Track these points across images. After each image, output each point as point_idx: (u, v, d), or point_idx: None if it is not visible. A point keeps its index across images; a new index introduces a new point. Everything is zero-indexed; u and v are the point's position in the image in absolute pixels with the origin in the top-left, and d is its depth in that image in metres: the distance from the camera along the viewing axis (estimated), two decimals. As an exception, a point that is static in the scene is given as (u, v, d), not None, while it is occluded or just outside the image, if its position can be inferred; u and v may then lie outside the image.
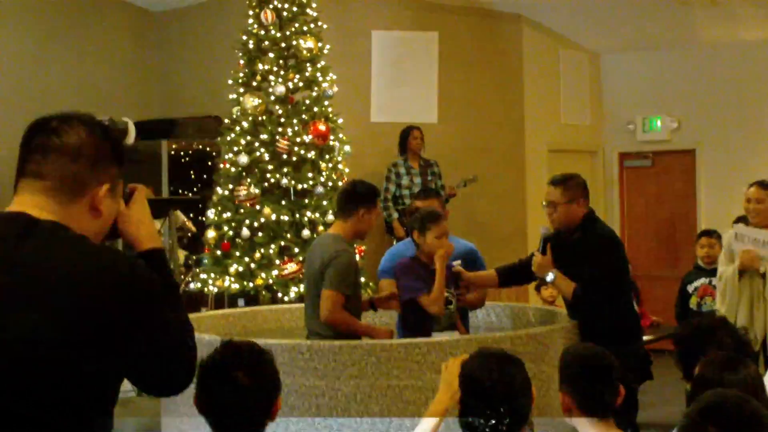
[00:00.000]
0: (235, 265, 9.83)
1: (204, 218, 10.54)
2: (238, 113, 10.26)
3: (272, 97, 10.19)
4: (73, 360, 2.50)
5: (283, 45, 10.32)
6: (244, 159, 10.02)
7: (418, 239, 6.42)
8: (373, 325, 6.52)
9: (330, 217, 9.81)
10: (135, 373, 2.70)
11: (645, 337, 8.43)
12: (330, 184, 10.07)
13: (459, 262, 6.89)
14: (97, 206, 2.73)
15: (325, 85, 10.38)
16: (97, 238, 2.73)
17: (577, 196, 6.58)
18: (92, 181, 2.71)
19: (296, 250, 9.73)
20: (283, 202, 10.00)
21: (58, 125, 2.70)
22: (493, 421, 3.40)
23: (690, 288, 8.80)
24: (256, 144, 10.09)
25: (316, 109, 10.26)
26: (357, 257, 9.37)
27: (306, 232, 9.77)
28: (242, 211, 9.99)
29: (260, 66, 10.29)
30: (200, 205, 11.72)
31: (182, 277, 10.88)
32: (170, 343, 2.72)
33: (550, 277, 6.50)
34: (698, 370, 4.20)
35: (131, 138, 2.91)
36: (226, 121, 10.41)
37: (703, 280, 8.71)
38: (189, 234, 12.19)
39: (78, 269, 2.54)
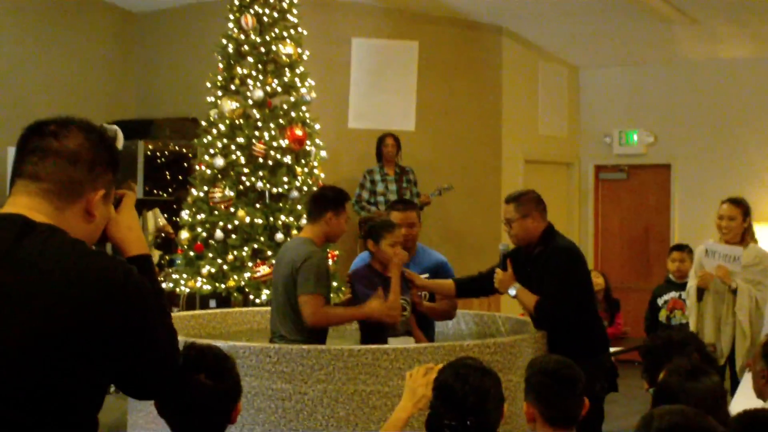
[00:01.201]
0: (207, 267, 9.82)
1: (178, 219, 10.53)
2: (216, 116, 10.26)
3: (250, 101, 10.19)
4: (65, 361, 2.52)
5: (262, 50, 10.32)
6: (220, 161, 10.02)
7: (372, 248, 6.46)
8: (359, 307, 6.47)
9: (304, 221, 9.83)
10: (123, 375, 2.74)
11: (613, 349, 8.49)
12: (305, 188, 10.08)
13: (427, 275, 6.94)
14: (92, 211, 2.76)
15: (303, 90, 10.39)
16: (88, 242, 2.75)
17: (531, 210, 6.62)
18: (88, 186, 2.74)
19: (269, 253, 9.73)
20: (258, 206, 10.01)
21: (57, 129, 2.73)
22: (459, 431, 3.41)
23: (660, 301, 8.85)
24: (233, 147, 10.09)
25: (293, 114, 10.27)
26: (330, 261, 9.43)
27: (279, 236, 9.78)
28: (216, 213, 9.99)
29: (239, 70, 10.29)
30: (175, 206, 11.72)
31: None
32: (159, 348, 2.77)
33: (512, 291, 6.56)
34: (662, 377, 4.24)
35: (120, 144, 2.96)
36: (203, 123, 10.41)
37: (673, 294, 8.76)
38: (163, 234, 12.18)
39: (74, 272, 2.57)
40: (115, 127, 3.11)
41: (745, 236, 7.91)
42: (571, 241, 6.94)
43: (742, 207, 7.89)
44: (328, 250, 9.65)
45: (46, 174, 2.69)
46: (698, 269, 7.91)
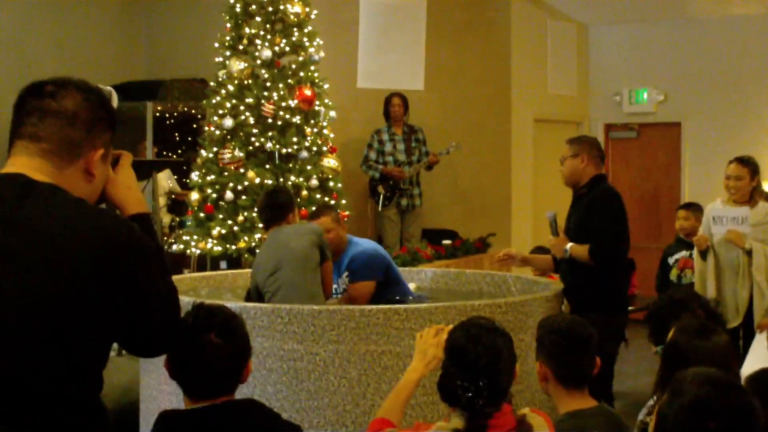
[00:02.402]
0: (218, 228, 9.82)
1: (188, 180, 10.52)
2: (224, 76, 10.23)
3: (258, 61, 10.16)
4: (69, 319, 2.55)
5: (270, 9, 10.26)
6: (229, 122, 10.00)
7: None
8: None
9: (314, 181, 9.86)
10: (125, 333, 2.76)
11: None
12: (314, 149, 10.07)
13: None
14: (92, 170, 2.78)
15: (311, 50, 10.35)
16: (88, 202, 2.76)
17: (583, 151, 6.79)
18: (88, 146, 2.76)
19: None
20: (267, 166, 10.00)
21: (55, 89, 2.74)
22: (472, 393, 3.40)
23: (671, 260, 8.82)
24: (242, 107, 10.07)
25: (302, 73, 10.23)
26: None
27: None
28: (226, 174, 9.98)
29: (247, 30, 10.25)
30: (184, 168, 11.72)
31: (165, 238, 10.88)
32: (161, 305, 2.79)
33: (566, 251, 6.71)
34: (670, 336, 4.24)
35: (114, 104, 2.97)
36: (212, 84, 10.38)
37: (683, 253, 8.72)
38: (173, 196, 12.18)
39: (77, 230, 2.58)
40: (110, 87, 3.11)
41: (754, 195, 7.88)
42: (614, 188, 7.04)
43: (749, 166, 7.85)
44: (338, 210, 9.65)
45: (46, 135, 2.70)
46: (706, 231, 7.90)
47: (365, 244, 7.24)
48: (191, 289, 6.89)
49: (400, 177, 11.34)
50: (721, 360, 3.84)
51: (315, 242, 6.50)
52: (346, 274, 7.04)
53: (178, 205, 12.00)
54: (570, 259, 6.70)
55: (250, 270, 6.95)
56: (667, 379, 4.14)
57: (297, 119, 10.06)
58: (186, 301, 5.38)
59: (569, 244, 6.68)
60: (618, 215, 6.75)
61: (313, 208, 7.83)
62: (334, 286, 6.98)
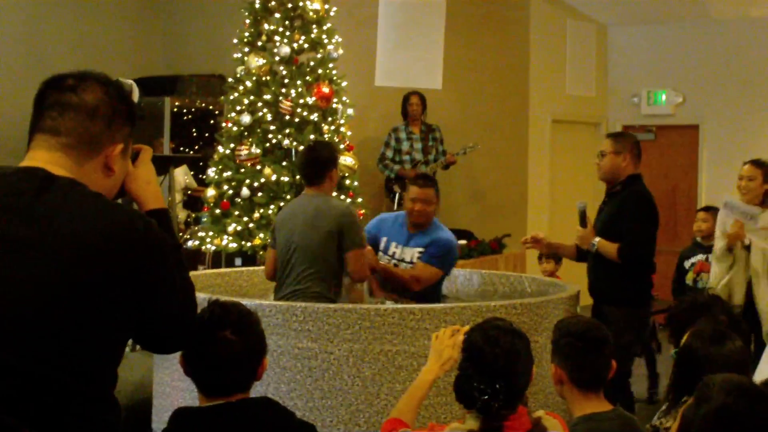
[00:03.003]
0: (233, 225, 9.83)
1: (204, 176, 10.53)
2: (242, 73, 10.23)
3: (277, 58, 10.16)
4: (85, 314, 2.54)
5: (289, 6, 10.26)
6: (246, 119, 10.01)
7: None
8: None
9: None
10: (141, 328, 2.75)
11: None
12: (332, 146, 10.07)
13: (421, 249, 6.94)
14: (111, 165, 2.77)
15: (330, 47, 10.34)
16: (107, 196, 2.76)
17: (625, 150, 6.82)
18: (107, 140, 2.75)
19: (296, 211, 9.71)
20: (284, 163, 10.00)
21: (75, 83, 2.73)
22: (488, 395, 3.39)
23: (687, 263, 8.78)
24: (259, 104, 10.07)
25: (320, 71, 10.23)
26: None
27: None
28: (243, 170, 9.98)
29: (266, 26, 10.26)
30: (201, 163, 11.73)
31: (181, 234, 10.89)
32: (178, 301, 2.79)
33: (593, 245, 6.73)
34: (685, 340, 4.22)
35: (135, 98, 2.96)
36: (230, 80, 10.39)
37: (700, 256, 8.69)
38: (189, 192, 12.20)
39: (95, 225, 2.58)
40: (131, 81, 3.10)
41: (765, 198, 7.87)
42: (648, 191, 6.99)
43: (763, 168, 7.84)
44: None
45: (66, 128, 2.70)
46: (721, 228, 7.86)
47: (450, 233, 7.13)
48: (207, 286, 6.89)
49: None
50: (735, 367, 3.82)
51: (332, 233, 6.26)
52: (419, 249, 6.92)
53: (194, 201, 12.02)
54: (596, 253, 6.73)
55: (263, 267, 6.92)
56: (680, 384, 4.13)
57: (314, 117, 10.06)
58: (201, 297, 5.38)
59: (597, 239, 6.71)
60: (650, 218, 6.77)
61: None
62: (398, 250, 6.92)
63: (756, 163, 7.87)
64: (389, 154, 11.45)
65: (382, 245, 6.99)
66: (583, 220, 6.86)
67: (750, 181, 7.79)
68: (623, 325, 6.45)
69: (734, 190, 8.18)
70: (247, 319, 3.32)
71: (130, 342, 2.85)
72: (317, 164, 6.50)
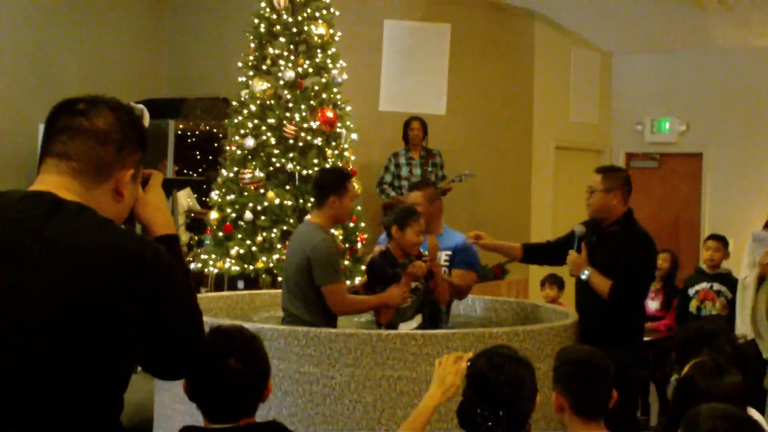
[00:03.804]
0: (236, 248, 9.82)
1: (208, 199, 10.54)
2: (247, 96, 10.24)
3: (281, 82, 10.17)
4: (92, 340, 2.53)
5: (294, 30, 10.29)
6: (250, 142, 10.01)
7: (396, 234, 6.44)
8: (378, 295, 6.50)
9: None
10: (149, 355, 2.75)
11: (645, 338, 8.53)
12: (335, 171, 10.06)
13: (449, 253, 6.92)
14: (121, 190, 2.77)
15: (334, 71, 10.36)
16: (116, 222, 2.75)
17: (616, 187, 6.60)
18: (117, 166, 2.75)
19: (298, 235, 9.72)
20: (288, 187, 9.99)
21: (87, 108, 2.73)
22: (491, 422, 3.39)
23: (691, 291, 8.80)
24: (263, 128, 10.07)
25: (324, 95, 10.24)
26: (358, 245, 9.43)
27: (308, 218, 9.76)
28: (246, 194, 9.98)
29: (271, 50, 10.27)
30: (205, 186, 11.73)
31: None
32: (186, 328, 2.78)
33: (585, 274, 6.47)
34: (686, 371, 4.22)
35: (145, 123, 2.96)
36: (234, 103, 10.40)
37: (704, 285, 8.71)
38: (192, 215, 12.20)
39: (103, 251, 2.57)
40: (141, 105, 3.10)
41: None
42: (647, 231, 6.89)
43: None
44: (357, 233, 9.65)
45: (76, 153, 2.69)
46: (750, 257, 7.86)
47: (462, 235, 7.15)
48: (208, 309, 6.88)
49: None
50: (731, 402, 3.83)
51: (302, 265, 6.24)
52: (446, 254, 6.91)
53: (197, 224, 12.01)
54: (585, 285, 6.52)
55: (267, 291, 6.93)
56: (676, 414, 4.13)
57: (318, 141, 10.07)
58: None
59: (590, 268, 6.47)
60: (649, 262, 6.66)
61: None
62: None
63: None
64: (388, 178, 11.44)
65: None
66: (579, 245, 6.63)
67: None
68: (624, 361, 6.39)
69: (739, 219, 8.24)
70: (252, 344, 3.31)
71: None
72: (317, 189, 6.52)
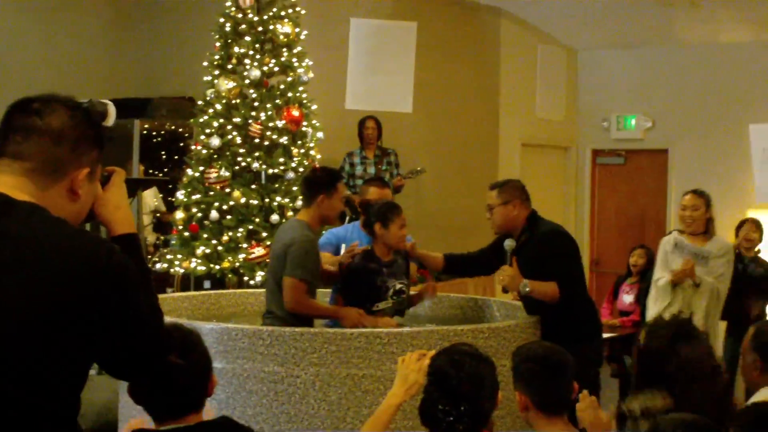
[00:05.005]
0: (202, 247, 9.80)
1: (174, 199, 10.50)
2: (212, 95, 10.21)
3: (247, 81, 10.15)
4: (47, 339, 2.51)
5: (260, 29, 10.27)
6: (216, 141, 9.99)
7: (379, 231, 6.44)
8: (337, 307, 6.52)
9: (299, 202, 9.82)
10: (106, 356, 2.72)
11: (611, 334, 8.64)
12: (301, 169, 10.03)
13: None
14: (76, 190, 2.73)
15: (300, 70, 10.34)
16: (74, 222, 2.73)
17: (513, 197, 6.60)
18: (72, 165, 2.71)
19: (264, 234, 9.70)
20: (253, 186, 9.97)
21: (41, 107, 2.70)
22: (453, 417, 3.40)
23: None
24: (229, 127, 10.05)
25: (290, 94, 10.22)
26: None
27: (275, 217, 9.75)
28: (212, 193, 9.96)
29: (236, 49, 10.25)
30: (170, 186, 11.70)
31: (150, 257, 10.85)
32: (144, 327, 2.74)
33: (525, 288, 6.35)
34: (642, 340, 4.23)
35: (111, 120, 2.91)
36: (200, 102, 10.37)
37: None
38: (158, 215, 12.17)
39: (57, 251, 2.54)
40: (107, 101, 3.06)
41: (709, 226, 8.02)
42: (555, 223, 6.89)
43: (704, 197, 8.06)
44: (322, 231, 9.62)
45: (30, 153, 2.67)
46: (664, 261, 8.02)
47: None
48: (173, 309, 6.86)
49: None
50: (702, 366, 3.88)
51: (280, 259, 6.27)
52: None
53: (163, 224, 11.97)
54: (529, 298, 6.46)
55: (233, 290, 6.93)
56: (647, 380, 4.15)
57: (284, 140, 10.05)
58: (169, 321, 5.36)
59: (527, 281, 6.32)
60: (574, 252, 6.65)
61: None
62: None
63: (698, 193, 8.04)
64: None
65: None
66: (510, 260, 6.50)
67: (695, 211, 7.94)
68: (585, 359, 6.39)
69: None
70: (190, 339, 3.29)
71: (96, 365, 2.82)
72: (307, 186, 6.53)
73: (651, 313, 7.90)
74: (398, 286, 6.47)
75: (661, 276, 8.03)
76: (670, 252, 8.01)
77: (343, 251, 6.86)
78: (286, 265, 6.17)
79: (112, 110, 2.96)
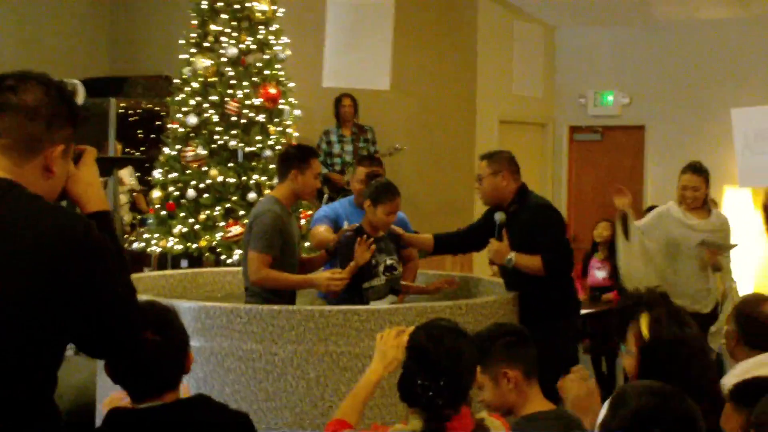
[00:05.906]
0: (179, 226, 9.76)
1: (150, 178, 10.46)
2: (189, 74, 10.15)
3: (224, 59, 10.09)
4: (24, 317, 2.53)
5: (236, 6, 10.20)
6: (193, 120, 9.94)
7: (367, 208, 6.46)
8: (306, 276, 6.50)
9: (276, 180, 9.80)
10: (81, 333, 2.72)
11: (587, 310, 8.66)
12: (278, 147, 9.99)
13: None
14: (51, 167, 2.74)
15: (277, 48, 10.31)
16: (48, 199, 2.73)
17: (502, 168, 6.63)
18: (47, 142, 2.72)
19: (241, 212, 9.67)
20: (230, 165, 9.93)
21: (15, 83, 2.70)
22: (432, 392, 3.40)
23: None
24: (206, 105, 10.00)
25: (267, 72, 10.18)
26: (302, 221, 9.40)
27: (252, 195, 9.72)
28: (189, 171, 9.91)
29: (213, 27, 10.18)
30: (147, 165, 11.65)
31: (126, 236, 10.81)
32: (117, 306, 2.75)
33: (510, 260, 6.43)
34: (645, 329, 4.21)
35: (80, 99, 2.91)
36: (177, 81, 10.31)
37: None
38: (134, 193, 12.12)
39: (33, 228, 2.56)
40: (76, 81, 3.06)
41: (707, 202, 7.97)
42: (545, 199, 6.96)
43: (704, 174, 7.87)
44: (300, 210, 9.61)
45: (4, 130, 2.67)
46: (657, 221, 7.98)
47: None
48: (151, 288, 6.84)
49: (338, 181, 11.14)
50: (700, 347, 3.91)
51: (247, 231, 6.38)
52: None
53: (137, 206, 11.93)
54: (513, 270, 6.49)
55: (210, 269, 6.93)
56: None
57: (261, 118, 10.02)
58: (144, 300, 5.35)
59: (513, 253, 6.41)
60: (561, 226, 6.75)
61: None
62: None
63: (696, 170, 7.86)
64: (320, 156, 11.37)
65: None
66: (500, 233, 6.54)
67: (695, 192, 7.80)
68: (563, 336, 6.44)
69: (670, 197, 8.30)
70: (166, 316, 3.29)
71: (73, 345, 2.81)
72: (280, 161, 6.56)
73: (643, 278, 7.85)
74: (389, 261, 6.47)
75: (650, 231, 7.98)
76: (666, 218, 7.92)
77: (345, 226, 6.91)
78: (250, 239, 6.20)
79: (81, 89, 2.96)
